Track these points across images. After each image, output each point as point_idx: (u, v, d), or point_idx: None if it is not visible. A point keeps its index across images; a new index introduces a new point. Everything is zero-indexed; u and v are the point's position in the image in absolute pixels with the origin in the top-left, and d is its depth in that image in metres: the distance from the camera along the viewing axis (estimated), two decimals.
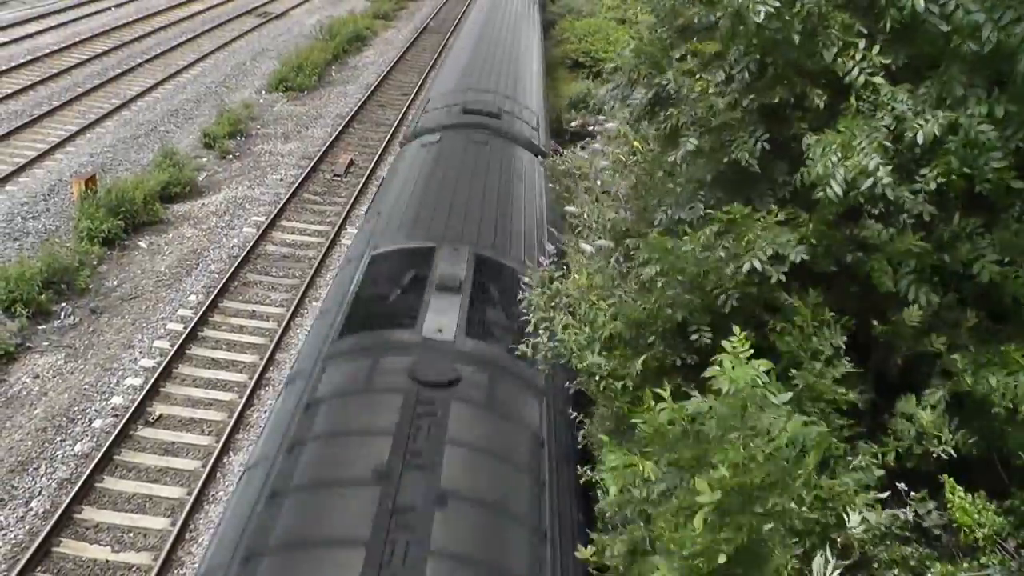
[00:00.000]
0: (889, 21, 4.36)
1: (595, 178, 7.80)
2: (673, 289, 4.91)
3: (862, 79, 4.38)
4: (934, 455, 4.27)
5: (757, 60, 4.93)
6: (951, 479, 4.13)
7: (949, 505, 4.06)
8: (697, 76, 5.31)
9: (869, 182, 4.09)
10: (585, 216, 6.83)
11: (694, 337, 4.80)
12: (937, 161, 4.14)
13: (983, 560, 3.73)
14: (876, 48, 4.43)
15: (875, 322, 4.60)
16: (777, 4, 4.37)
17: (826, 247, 4.61)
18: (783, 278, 4.49)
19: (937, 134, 4.06)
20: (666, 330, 5.09)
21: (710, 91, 5.09)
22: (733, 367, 3.54)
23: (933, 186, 4.14)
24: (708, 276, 4.71)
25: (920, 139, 4.07)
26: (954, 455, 4.26)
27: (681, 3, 5.86)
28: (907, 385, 4.60)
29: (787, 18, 4.43)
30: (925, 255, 4.34)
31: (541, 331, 5.66)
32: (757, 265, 4.40)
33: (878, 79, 4.38)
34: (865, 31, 4.54)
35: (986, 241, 4.26)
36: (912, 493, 4.24)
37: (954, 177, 4.08)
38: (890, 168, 4.13)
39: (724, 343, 3.71)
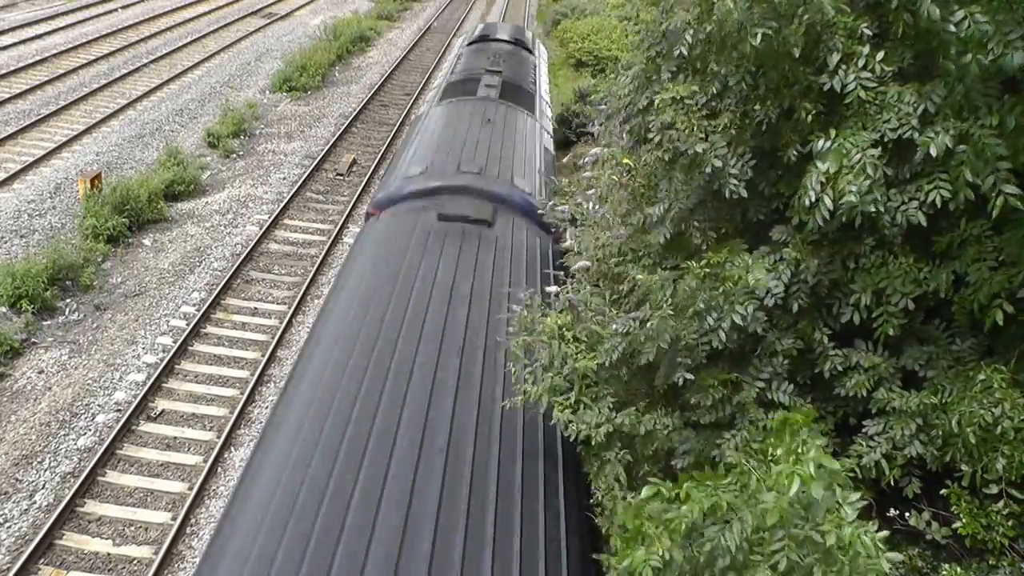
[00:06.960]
0: (901, 26, 4.37)
1: (585, 202, 7.84)
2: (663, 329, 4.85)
3: (860, 92, 4.37)
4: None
5: (751, 74, 4.92)
6: (956, 486, 4.13)
7: (956, 510, 4.06)
8: (683, 109, 5.27)
9: (855, 199, 4.13)
10: (576, 245, 6.84)
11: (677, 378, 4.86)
12: (948, 174, 4.12)
13: (992, 562, 3.73)
14: (881, 54, 4.42)
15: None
16: (774, 25, 4.39)
17: (811, 270, 4.70)
18: (763, 329, 4.63)
19: (950, 146, 4.04)
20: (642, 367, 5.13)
21: (695, 128, 4.98)
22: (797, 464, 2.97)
23: (932, 198, 4.12)
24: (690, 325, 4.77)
25: (933, 152, 4.06)
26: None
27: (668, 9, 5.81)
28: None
29: (784, 37, 4.46)
30: (910, 275, 4.42)
31: (526, 376, 5.47)
32: (738, 320, 4.54)
33: (879, 87, 4.38)
34: (871, 32, 4.54)
35: (993, 245, 4.27)
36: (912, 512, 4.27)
37: (964, 188, 4.06)
38: (876, 189, 4.17)
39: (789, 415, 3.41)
